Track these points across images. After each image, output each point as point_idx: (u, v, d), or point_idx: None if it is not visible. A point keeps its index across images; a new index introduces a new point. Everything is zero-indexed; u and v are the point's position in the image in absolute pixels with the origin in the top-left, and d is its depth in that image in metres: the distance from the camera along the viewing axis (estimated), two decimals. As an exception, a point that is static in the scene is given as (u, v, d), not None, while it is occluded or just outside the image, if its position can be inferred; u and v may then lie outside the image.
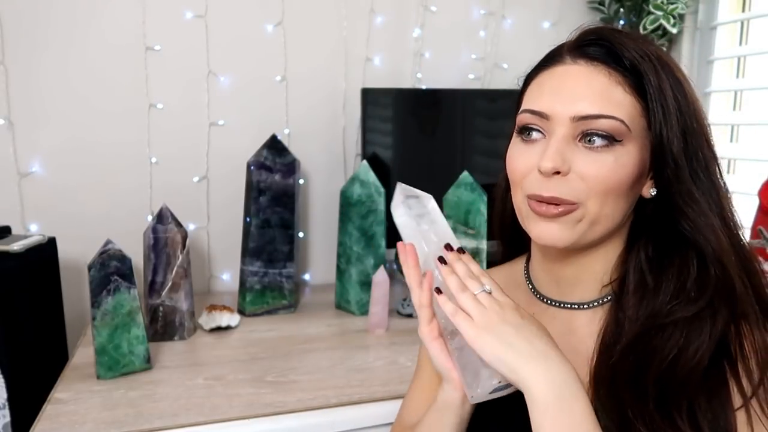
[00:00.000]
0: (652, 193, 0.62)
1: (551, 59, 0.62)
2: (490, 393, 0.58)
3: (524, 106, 0.62)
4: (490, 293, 0.58)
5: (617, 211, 0.60)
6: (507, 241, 0.76)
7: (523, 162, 0.61)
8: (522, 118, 0.62)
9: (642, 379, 0.57)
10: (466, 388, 0.60)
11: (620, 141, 0.57)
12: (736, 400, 0.55)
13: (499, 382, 0.57)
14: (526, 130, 0.62)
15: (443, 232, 0.65)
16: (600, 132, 0.57)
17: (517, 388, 0.56)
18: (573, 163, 0.58)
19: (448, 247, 0.62)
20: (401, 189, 0.68)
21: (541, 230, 0.60)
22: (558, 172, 0.57)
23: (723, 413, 0.55)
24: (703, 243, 0.58)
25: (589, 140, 0.58)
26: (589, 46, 0.60)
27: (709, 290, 0.57)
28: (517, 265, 0.75)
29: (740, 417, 0.55)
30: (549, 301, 0.68)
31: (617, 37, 0.59)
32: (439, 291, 0.60)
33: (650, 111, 0.58)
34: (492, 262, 1.13)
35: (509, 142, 0.67)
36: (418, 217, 0.66)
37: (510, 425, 0.64)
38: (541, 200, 0.59)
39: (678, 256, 0.60)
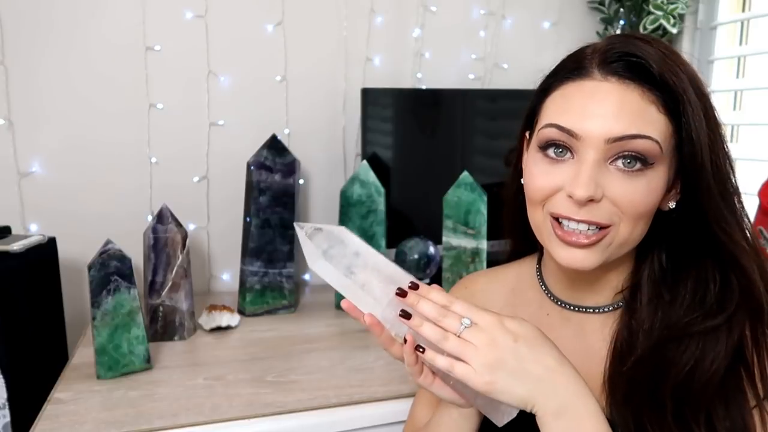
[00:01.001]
0: (671, 206, 0.61)
1: (577, 71, 0.59)
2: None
3: (549, 119, 0.59)
4: (471, 324, 0.55)
5: (644, 230, 0.59)
6: (517, 240, 0.76)
7: (549, 182, 0.59)
8: (548, 134, 0.59)
9: (659, 391, 0.56)
10: (490, 417, 0.58)
11: (652, 164, 0.56)
12: (752, 400, 0.55)
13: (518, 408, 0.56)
14: (551, 147, 0.59)
15: (383, 271, 0.58)
16: (634, 153, 0.55)
17: None
18: (605, 187, 0.56)
19: (401, 292, 0.56)
20: (305, 235, 0.58)
21: (566, 257, 0.59)
22: (591, 200, 0.56)
23: (740, 418, 0.55)
24: (732, 260, 0.58)
25: (625, 163, 0.56)
26: (619, 62, 0.57)
27: (731, 305, 0.57)
28: (527, 265, 0.74)
29: (756, 417, 0.55)
30: (562, 304, 0.68)
31: (647, 51, 0.56)
32: (419, 348, 0.56)
33: (685, 132, 0.56)
34: (495, 261, 1.13)
35: (519, 148, 0.66)
36: (347, 265, 0.58)
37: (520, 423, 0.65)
38: (571, 219, 0.57)
39: (694, 268, 0.60)
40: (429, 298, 0.56)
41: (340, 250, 0.58)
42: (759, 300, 0.57)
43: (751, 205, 1.27)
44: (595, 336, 0.64)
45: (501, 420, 0.57)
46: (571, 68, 0.60)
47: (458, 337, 0.54)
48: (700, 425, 0.54)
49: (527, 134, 0.66)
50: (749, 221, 0.61)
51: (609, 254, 0.59)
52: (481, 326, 0.54)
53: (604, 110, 0.55)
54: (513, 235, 0.76)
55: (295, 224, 0.59)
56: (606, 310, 0.65)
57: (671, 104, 0.56)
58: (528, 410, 0.54)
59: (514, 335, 0.54)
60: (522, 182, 0.66)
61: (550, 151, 0.59)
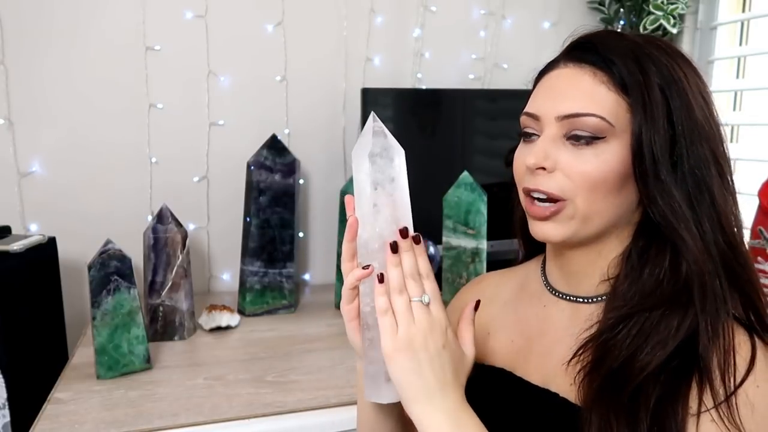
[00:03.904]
0: None
1: (549, 65, 0.66)
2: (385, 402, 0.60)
3: (524, 110, 0.66)
4: (427, 304, 0.57)
5: (609, 207, 0.60)
6: (526, 240, 0.77)
7: (520, 160, 0.65)
8: (522, 122, 0.66)
9: (603, 363, 0.58)
10: (365, 383, 0.61)
11: (603, 137, 0.59)
12: (693, 404, 0.54)
13: (397, 399, 0.58)
14: (525, 133, 0.65)
15: (401, 207, 0.59)
16: (582, 130, 0.59)
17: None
18: (557, 160, 0.60)
19: (404, 232, 0.57)
20: (372, 130, 0.59)
21: (536, 228, 0.63)
22: (543, 168, 0.60)
23: (672, 409, 0.54)
24: (677, 238, 0.58)
25: (576, 137, 0.60)
26: (579, 50, 0.63)
27: (678, 285, 0.58)
28: (534, 263, 0.77)
29: (691, 422, 0.54)
30: (559, 294, 0.69)
31: (605, 39, 0.62)
32: (381, 278, 0.57)
33: (632, 106, 0.59)
34: (495, 261, 1.13)
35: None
36: (380, 181, 0.58)
37: (509, 405, 0.66)
38: (529, 191, 0.62)
39: (656, 249, 0.61)
40: (418, 257, 0.58)
41: (385, 163, 0.59)
42: (704, 287, 0.57)
43: (751, 205, 1.28)
44: (586, 326, 0.64)
45: (370, 395, 0.60)
46: (547, 65, 0.67)
47: (408, 303, 0.56)
48: (622, 397, 0.55)
49: None
50: (732, 216, 0.60)
51: (576, 228, 0.61)
52: (432, 313, 0.57)
53: (558, 92, 0.62)
54: (522, 236, 0.78)
55: (372, 113, 0.60)
56: (597, 300, 0.66)
57: (623, 83, 0.60)
58: (407, 412, 0.56)
59: (446, 342, 0.57)
60: None
61: (525, 137, 0.65)
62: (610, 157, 0.59)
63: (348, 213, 0.61)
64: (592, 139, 0.59)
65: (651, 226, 0.62)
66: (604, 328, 0.60)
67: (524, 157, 0.63)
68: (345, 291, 0.61)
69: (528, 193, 0.63)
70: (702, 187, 0.59)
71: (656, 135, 0.58)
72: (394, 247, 0.57)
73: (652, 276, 0.60)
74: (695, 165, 0.59)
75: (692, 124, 0.59)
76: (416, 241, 0.58)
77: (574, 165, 0.59)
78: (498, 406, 0.66)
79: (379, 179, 0.58)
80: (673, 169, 0.59)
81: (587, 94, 0.60)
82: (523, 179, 0.64)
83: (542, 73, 0.67)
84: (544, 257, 0.75)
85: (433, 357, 0.55)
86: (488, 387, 0.68)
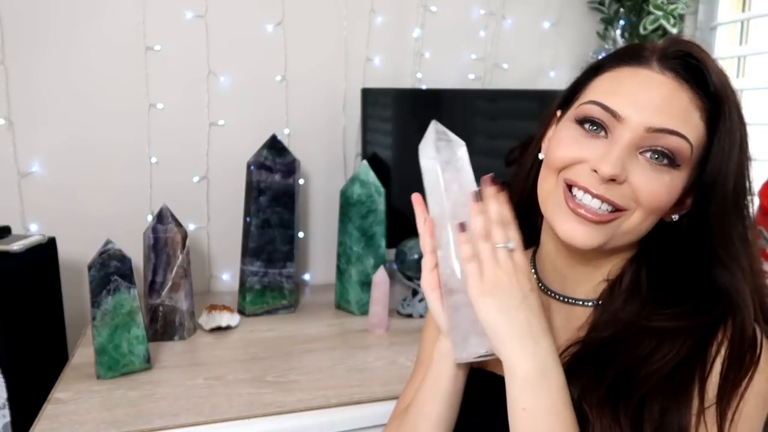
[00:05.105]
0: (674, 218, 0.62)
1: (635, 58, 0.60)
2: (475, 358, 0.59)
3: (595, 97, 0.60)
4: (512, 251, 0.56)
5: (649, 227, 0.60)
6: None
7: (576, 152, 0.60)
8: (589, 110, 0.60)
9: (605, 368, 0.57)
10: (453, 348, 0.60)
11: (678, 166, 0.58)
12: (695, 402, 0.55)
13: (486, 351, 0.57)
14: (588, 122, 0.60)
15: (467, 183, 0.62)
16: (666, 150, 0.57)
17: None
18: (630, 173, 0.57)
19: (490, 180, 0.59)
20: (434, 129, 0.63)
21: (569, 229, 0.60)
22: (613, 180, 0.57)
23: (676, 416, 0.54)
24: (728, 280, 0.59)
25: (654, 157, 0.57)
26: (678, 60, 0.59)
27: (704, 317, 0.58)
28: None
29: (693, 421, 0.54)
30: (553, 294, 0.68)
31: (706, 59, 0.59)
32: (463, 227, 0.57)
33: (715, 145, 0.58)
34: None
35: (546, 125, 0.67)
36: (445, 163, 0.61)
37: (503, 406, 0.65)
38: (588, 192, 0.58)
39: (681, 275, 0.61)
40: (500, 207, 0.58)
41: (448, 153, 0.62)
42: (743, 320, 0.57)
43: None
44: (582, 330, 0.64)
45: (461, 355, 0.59)
46: (629, 55, 0.61)
47: (493, 248, 0.56)
48: (627, 410, 0.54)
49: (558, 112, 0.67)
50: (755, 249, 0.61)
51: (611, 238, 0.59)
52: (515, 259, 0.56)
53: (653, 100, 0.57)
54: None
55: (433, 121, 0.63)
56: (594, 303, 0.65)
57: (713, 117, 0.58)
58: (499, 356, 0.55)
59: (532, 286, 0.56)
60: (540, 158, 0.67)
61: (586, 126, 0.60)
62: (677, 186, 0.58)
63: (417, 210, 0.63)
64: (672, 163, 0.57)
65: (676, 250, 0.62)
66: (607, 332, 0.60)
67: (585, 150, 0.59)
68: (425, 257, 0.61)
69: (569, 187, 0.59)
70: (742, 223, 0.60)
71: (731, 178, 0.58)
72: (478, 196, 0.58)
73: (664, 294, 0.60)
74: (742, 203, 0.60)
75: (747, 165, 0.60)
76: (502, 188, 0.59)
77: (649, 184, 0.57)
78: (489, 412, 0.65)
79: (447, 159, 0.62)
80: (733, 211, 0.59)
81: (683, 115, 0.57)
82: (575, 173, 0.59)
83: (620, 63, 0.61)
84: (533, 253, 0.73)
85: (521, 300, 0.54)
86: (477, 392, 0.66)
